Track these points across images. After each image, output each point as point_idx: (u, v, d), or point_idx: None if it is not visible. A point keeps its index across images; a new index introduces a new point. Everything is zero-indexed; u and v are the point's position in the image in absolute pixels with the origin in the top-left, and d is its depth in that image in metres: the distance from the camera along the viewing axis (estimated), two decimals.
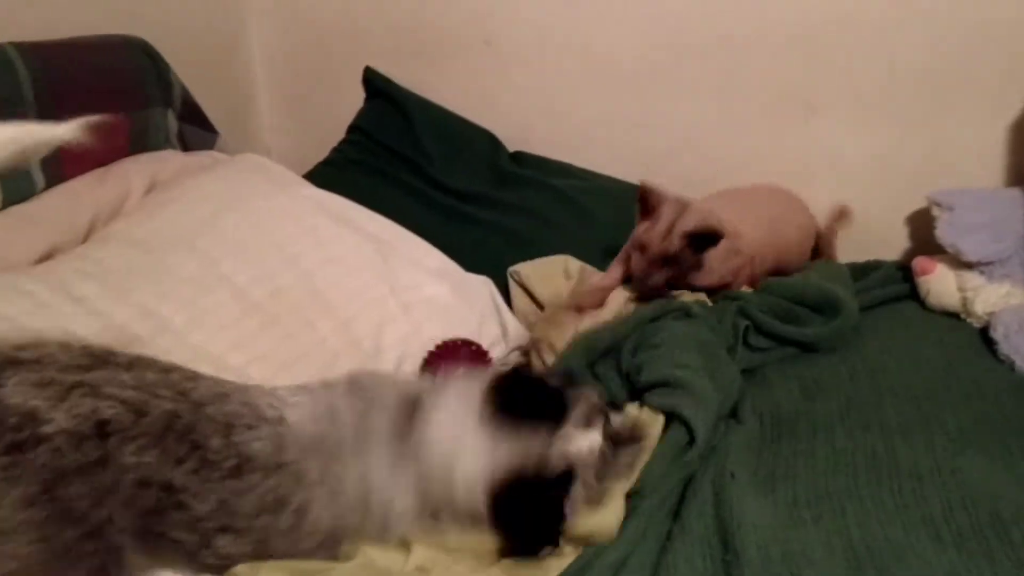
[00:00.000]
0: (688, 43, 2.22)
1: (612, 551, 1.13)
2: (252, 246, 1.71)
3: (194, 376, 1.11)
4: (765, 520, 1.17)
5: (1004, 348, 1.68)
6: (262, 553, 1.05)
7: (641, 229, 1.80)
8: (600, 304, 1.86)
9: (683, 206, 1.78)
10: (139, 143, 1.98)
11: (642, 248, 1.79)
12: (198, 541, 1.01)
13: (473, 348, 1.73)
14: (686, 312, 1.74)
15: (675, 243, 1.75)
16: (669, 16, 2.21)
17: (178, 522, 0.99)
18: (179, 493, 0.98)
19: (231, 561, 1.04)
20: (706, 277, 1.85)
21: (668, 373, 1.46)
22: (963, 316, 1.87)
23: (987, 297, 1.82)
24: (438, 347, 1.69)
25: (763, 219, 1.98)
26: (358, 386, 1.19)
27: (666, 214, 1.76)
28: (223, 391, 1.10)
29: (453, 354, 1.72)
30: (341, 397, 1.17)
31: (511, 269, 1.98)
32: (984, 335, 1.77)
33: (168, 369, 1.09)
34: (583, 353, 1.62)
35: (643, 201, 1.80)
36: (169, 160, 1.99)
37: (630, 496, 1.24)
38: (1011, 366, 1.66)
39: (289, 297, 1.66)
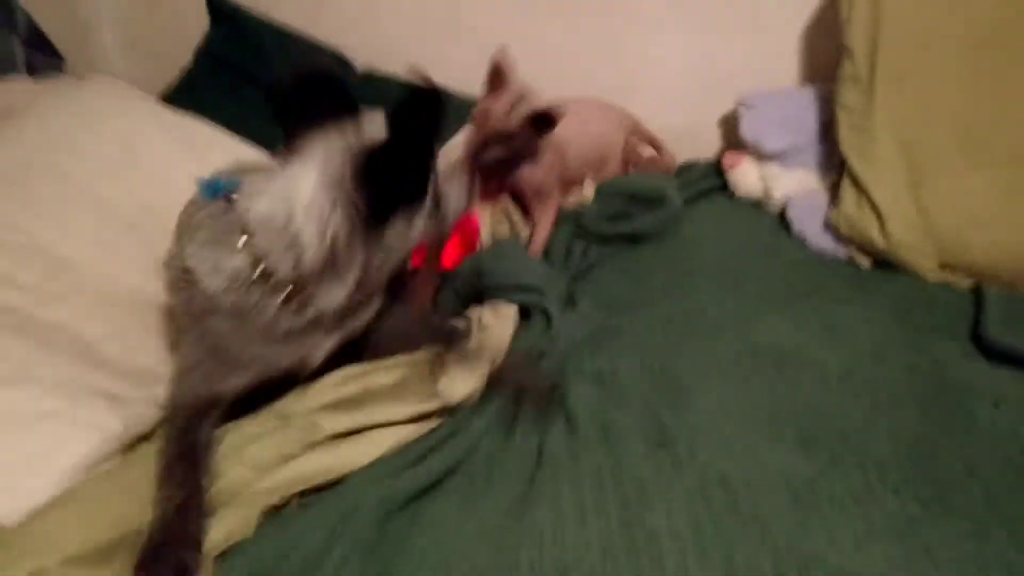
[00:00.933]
0: None
1: (478, 418, 1.33)
2: (115, 164, 1.77)
3: None
4: (589, 386, 1.40)
5: (797, 227, 1.92)
6: None
7: (485, 102, 1.81)
8: None
9: (527, 91, 1.81)
10: None
11: (482, 120, 1.80)
12: None
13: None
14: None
15: (516, 121, 1.76)
16: None
17: None
18: None
19: None
20: (530, 171, 1.91)
21: (525, 280, 1.63)
22: (765, 203, 2.08)
23: (784, 184, 2.03)
24: None
25: (590, 134, 2.11)
26: None
27: (507, 95, 1.78)
28: None
29: None
30: None
31: None
32: (782, 218, 2.00)
33: None
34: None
35: (494, 75, 1.81)
36: (18, 87, 2.01)
37: None
38: (803, 242, 1.90)
39: (155, 211, 1.72)
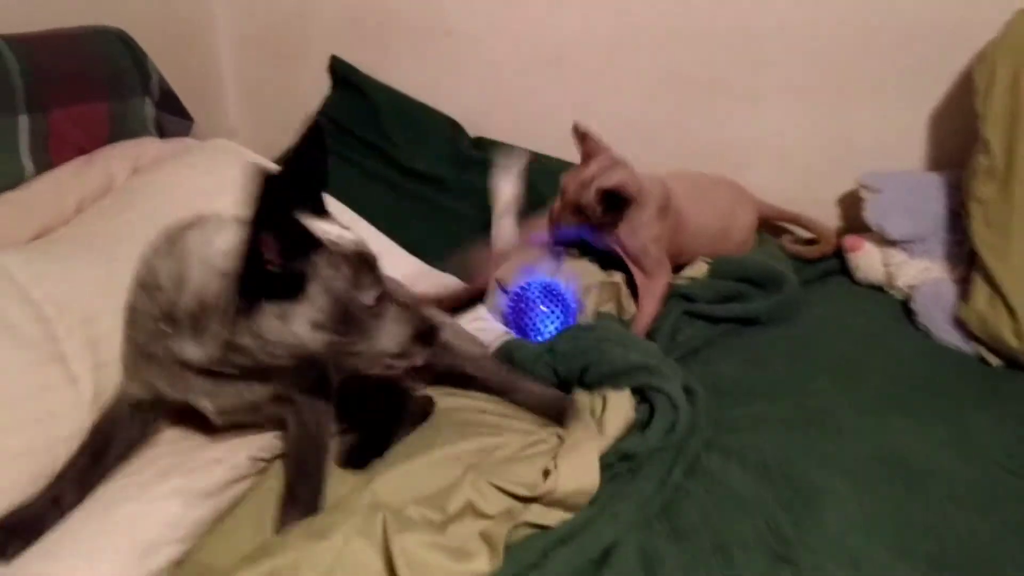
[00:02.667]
0: (637, 36, 2.32)
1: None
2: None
3: None
4: (701, 488, 1.33)
5: (922, 318, 1.85)
6: None
7: (567, 173, 1.84)
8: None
9: (613, 163, 1.81)
10: (119, 130, 2.06)
11: (562, 192, 1.84)
12: None
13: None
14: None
15: (588, 195, 1.78)
16: (620, 10, 2.32)
17: None
18: None
19: None
20: (629, 240, 1.90)
21: (636, 360, 1.54)
22: (887, 289, 2.02)
23: (908, 272, 1.96)
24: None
25: (715, 208, 2.09)
26: None
27: (593, 166, 1.80)
28: None
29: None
30: None
31: (496, 275, 1.99)
32: (905, 306, 1.93)
33: None
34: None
35: (583, 147, 1.84)
36: (148, 147, 2.07)
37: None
38: (927, 334, 1.83)
39: None
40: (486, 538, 1.16)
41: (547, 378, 1.69)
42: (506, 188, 2.16)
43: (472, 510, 1.22)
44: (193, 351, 1.15)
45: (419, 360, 1.23)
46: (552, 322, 1.90)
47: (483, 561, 1.11)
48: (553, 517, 1.23)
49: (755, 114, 2.29)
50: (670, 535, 1.24)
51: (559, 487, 1.24)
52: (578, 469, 1.28)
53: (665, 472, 1.34)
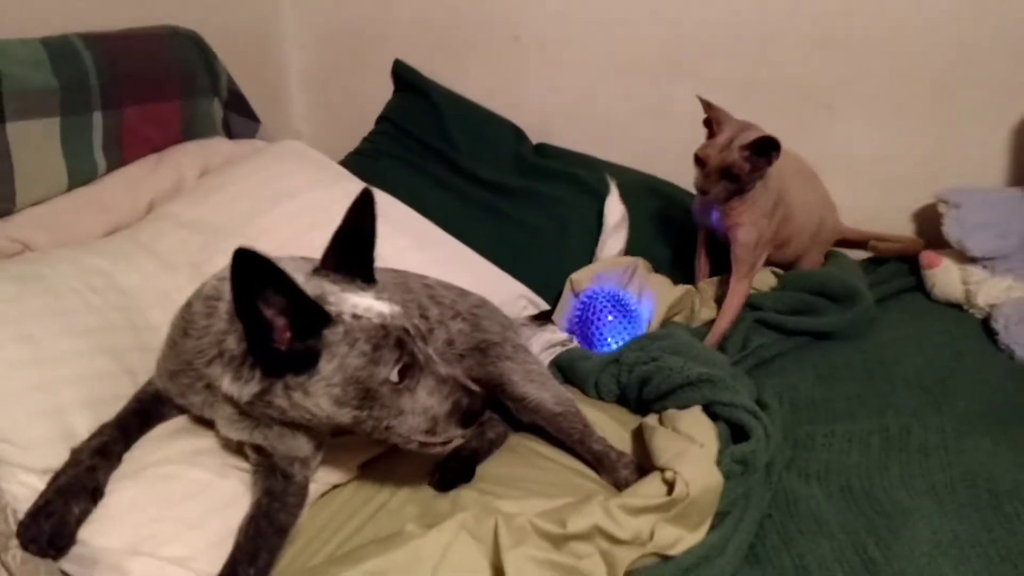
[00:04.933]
0: (709, 41, 2.27)
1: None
2: (299, 239, 1.71)
3: None
4: (780, 507, 1.30)
5: (1004, 338, 1.78)
6: None
7: (701, 145, 1.80)
8: None
9: (745, 125, 1.78)
10: (189, 130, 2.07)
11: (702, 162, 1.79)
12: None
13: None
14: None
15: (733, 154, 1.74)
16: (692, 14, 2.27)
17: None
18: None
19: None
20: (744, 229, 1.85)
21: (696, 372, 1.49)
22: (966, 307, 1.95)
23: (989, 290, 1.90)
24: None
25: (817, 195, 2.05)
26: None
27: (727, 130, 1.76)
28: None
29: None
30: None
31: (572, 277, 2.00)
32: (985, 325, 1.87)
33: None
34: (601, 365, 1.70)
35: (708, 120, 1.81)
36: (218, 147, 2.09)
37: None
38: (1010, 355, 1.76)
39: None
40: (608, 560, 1.13)
41: (611, 389, 1.66)
42: (614, 208, 2.13)
43: (600, 533, 1.16)
44: (229, 387, 1.15)
45: (459, 440, 1.21)
46: (619, 333, 1.87)
47: None
48: (679, 544, 1.18)
49: (833, 124, 2.23)
50: (750, 558, 1.21)
51: (691, 489, 1.20)
52: (700, 470, 1.24)
53: (764, 495, 1.30)
